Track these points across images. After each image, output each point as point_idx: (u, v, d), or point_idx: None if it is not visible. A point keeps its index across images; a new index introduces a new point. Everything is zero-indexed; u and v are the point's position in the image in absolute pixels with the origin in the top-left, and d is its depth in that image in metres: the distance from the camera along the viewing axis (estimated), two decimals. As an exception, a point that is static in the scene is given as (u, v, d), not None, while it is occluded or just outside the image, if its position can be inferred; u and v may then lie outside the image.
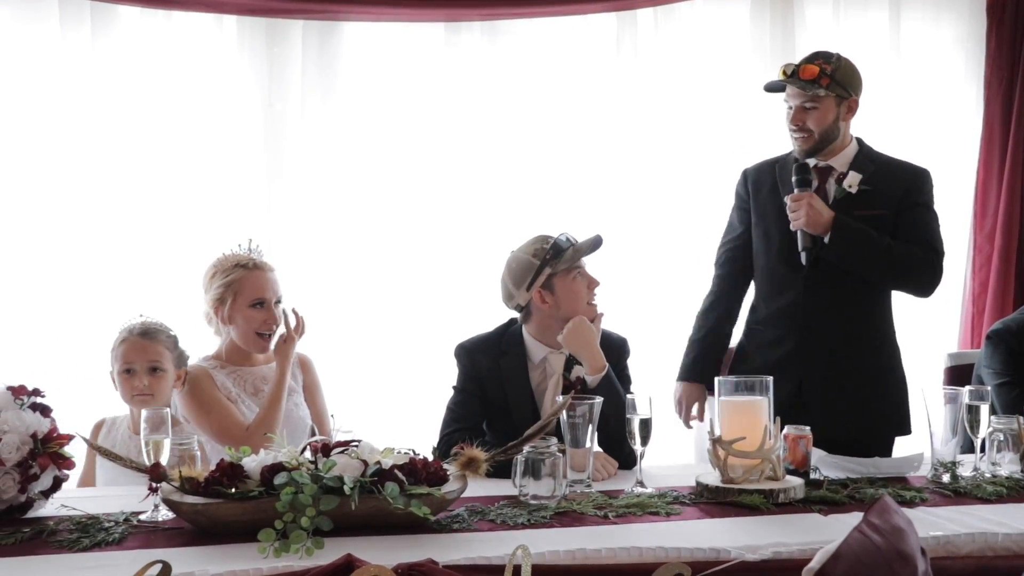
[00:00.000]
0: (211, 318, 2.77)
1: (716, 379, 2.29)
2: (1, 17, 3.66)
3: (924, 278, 2.78)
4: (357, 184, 3.91)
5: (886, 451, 2.83)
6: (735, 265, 2.98)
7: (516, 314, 2.70)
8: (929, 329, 4.10)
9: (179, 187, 3.79)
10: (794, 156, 2.85)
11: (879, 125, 4.07)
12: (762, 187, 2.92)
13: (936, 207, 2.84)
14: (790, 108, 2.79)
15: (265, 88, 3.83)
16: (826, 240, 2.71)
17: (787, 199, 2.76)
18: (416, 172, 3.94)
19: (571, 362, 2.62)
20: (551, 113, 3.99)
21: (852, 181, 2.76)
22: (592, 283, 2.65)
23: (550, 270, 2.59)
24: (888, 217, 2.76)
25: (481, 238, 3.88)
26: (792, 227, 2.75)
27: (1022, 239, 4.12)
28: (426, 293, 3.92)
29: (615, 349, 2.70)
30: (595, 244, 2.64)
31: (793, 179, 2.76)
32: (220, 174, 3.82)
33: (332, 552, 1.68)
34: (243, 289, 2.72)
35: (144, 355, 2.58)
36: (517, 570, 1.53)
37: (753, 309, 2.98)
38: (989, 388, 2.45)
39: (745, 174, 3.00)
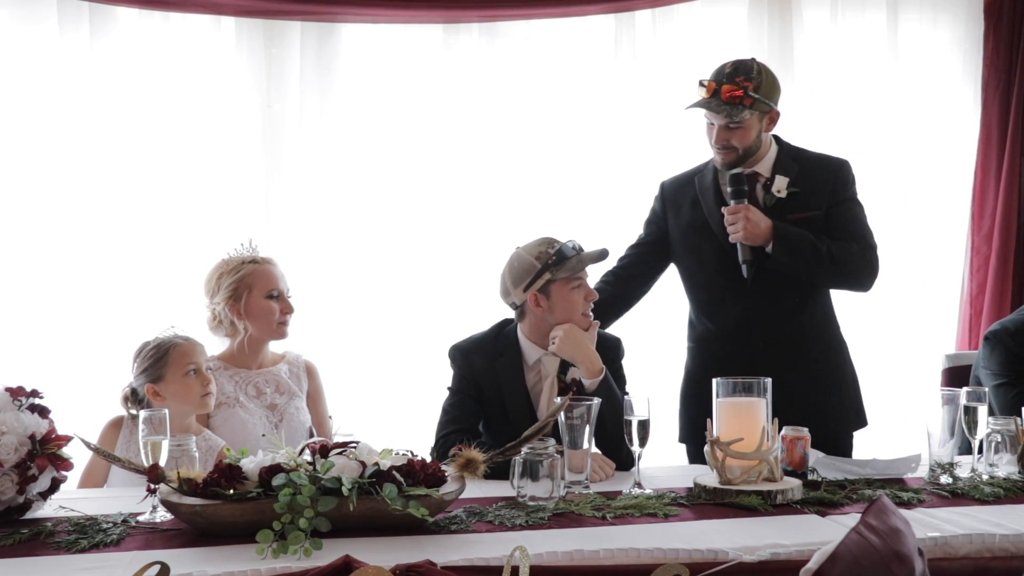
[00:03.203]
0: (221, 319, 2.77)
1: (714, 380, 2.28)
2: (0, 18, 3.66)
3: (863, 275, 2.76)
4: (355, 185, 3.91)
5: (847, 448, 2.84)
6: (628, 272, 2.97)
7: (511, 312, 2.69)
8: (927, 330, 4.11)
9: (178, 188, 3.79)
10: (713, 166, 2.84)
11: (877, 127, 4.09)
12: (683, 202, 2.90)
13: (859, 196, 2.83)
14: (711, 125, 2.75)
15: (263, 89, 3.84)
16: (768, 249, 2.69)
17: (724, 211, 2.72)
18: (414, 173, 3.94)
19: (566, 364, 2.60)
20: (549, 114, 4.00)
21: (780, 186, 2.74)
22: (590, 295, 2.62)
23: (549, 275, 2.57)
24: (821, 217, 2.75)
25: (479, 239, 3.88)
26: (731, 240, 2.72)
27: (1019, 240, 4.13)
28: (424, 294, 3.92)
29: (610, 349, 2.68)
30: (599, 257, 2.63)
31: (728, 190, 2.75)
32: (218, 175, 3.82)
33: (330, 553, 1.68)
34: (256, 283, 2.75)
35: (203, 355, 2.63)
36: (515, 571, 1.54)
37: (692, 326, 2.95)
38: (987, 389, 2.45)
39: (662, 188, 2.99)
